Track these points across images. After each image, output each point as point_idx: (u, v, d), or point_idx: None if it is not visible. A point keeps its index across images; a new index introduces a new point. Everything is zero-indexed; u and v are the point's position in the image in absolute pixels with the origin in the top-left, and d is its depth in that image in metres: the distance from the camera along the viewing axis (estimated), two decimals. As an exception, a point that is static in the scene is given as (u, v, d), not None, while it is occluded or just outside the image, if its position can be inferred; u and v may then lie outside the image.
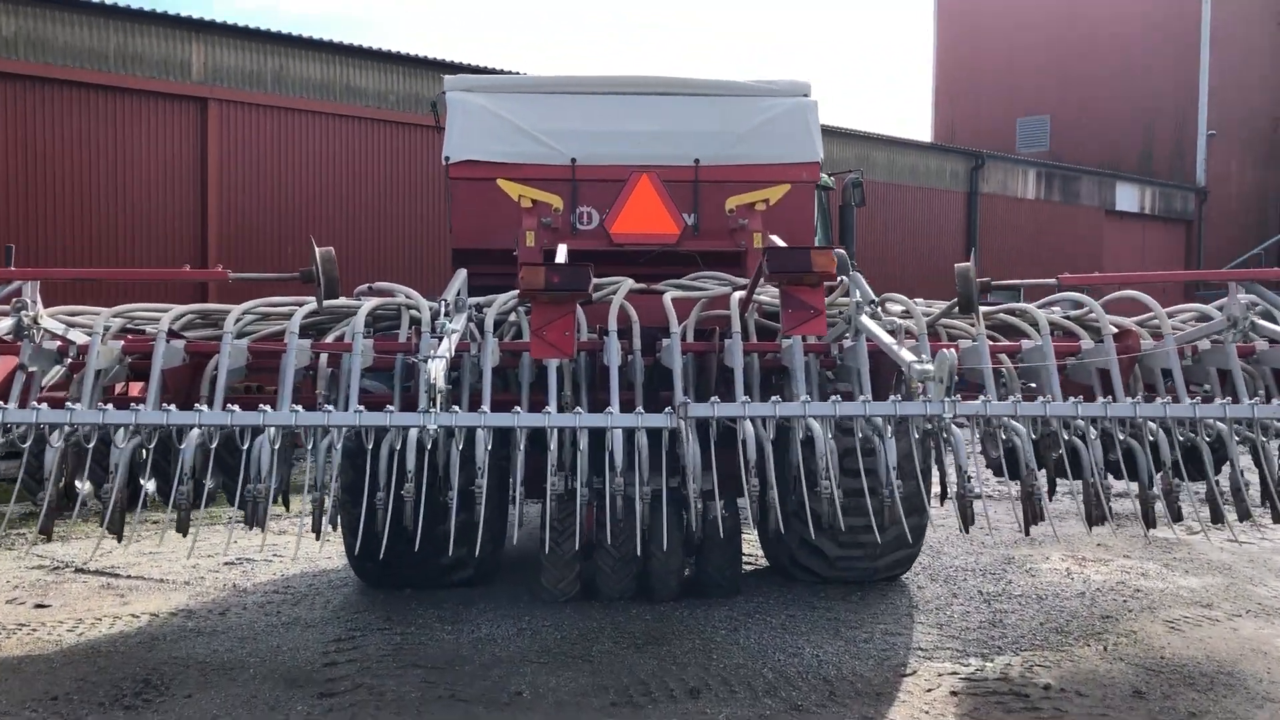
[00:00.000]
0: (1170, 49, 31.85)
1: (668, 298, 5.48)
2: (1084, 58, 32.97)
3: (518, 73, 18.68)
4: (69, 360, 5.13)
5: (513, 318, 5.58)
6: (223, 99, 15.71)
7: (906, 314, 5.41)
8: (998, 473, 5.13)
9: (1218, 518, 5.21)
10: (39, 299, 5.11)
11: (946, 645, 5.59)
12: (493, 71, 18.35)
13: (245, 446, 4.52)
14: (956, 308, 5.11)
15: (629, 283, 5.61)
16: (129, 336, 5.42)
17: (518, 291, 5.70)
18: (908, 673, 5.17)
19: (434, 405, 4.37)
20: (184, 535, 4.68)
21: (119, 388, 5.45)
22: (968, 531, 4.90)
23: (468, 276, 5.56)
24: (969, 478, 4.69)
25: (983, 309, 5.36)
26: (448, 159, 6.77)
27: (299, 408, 4.61)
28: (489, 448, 4.61)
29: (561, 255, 5.37)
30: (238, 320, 5.21)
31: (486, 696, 4.78)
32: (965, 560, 7.55)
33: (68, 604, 6.34)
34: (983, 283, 5.15)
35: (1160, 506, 5.22)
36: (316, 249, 5.03)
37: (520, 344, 5.30)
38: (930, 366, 4.32)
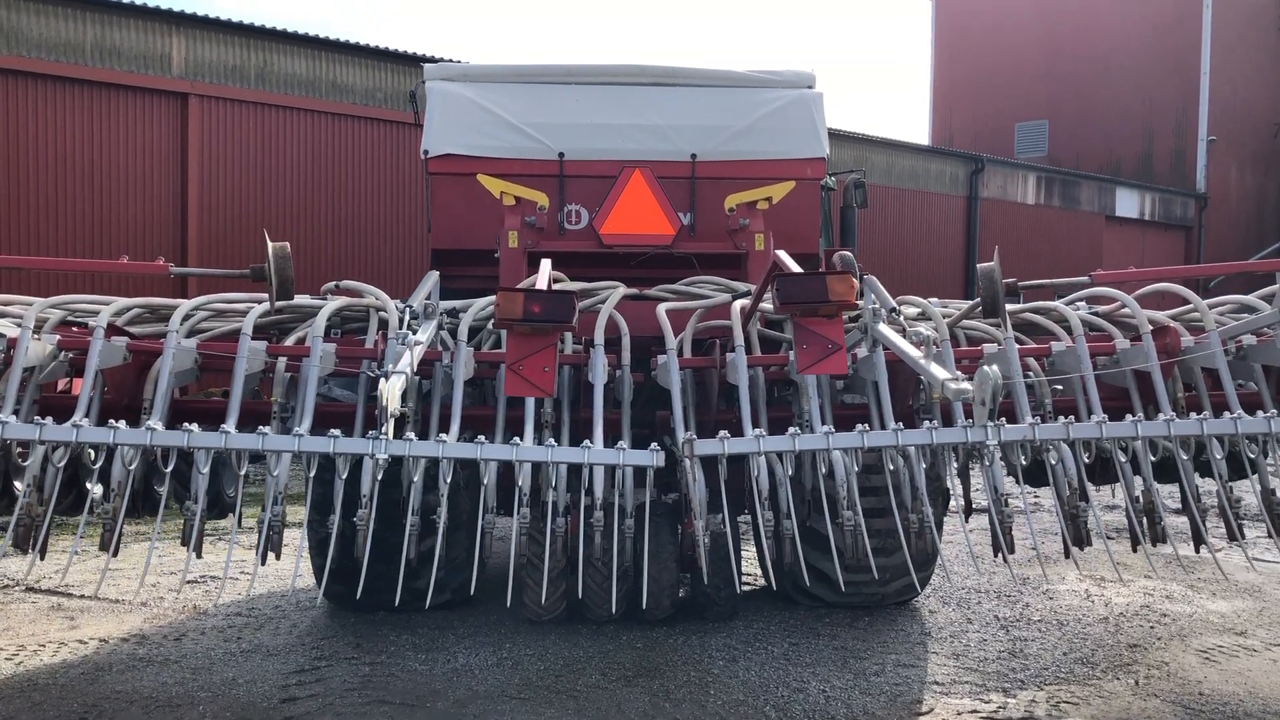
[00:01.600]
0: (1170, 54, 31.51)
1: (662, 310, 4.96)
2: (1083, 62, 32.63)
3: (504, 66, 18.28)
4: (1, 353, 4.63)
5: (491, 325, 5.12)
6: (204, 94, 15.24)
7: (924, 316, 4.95)
8: (1021, 482, 4.68)
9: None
10: None
11: (964, 679, 5.14)
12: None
13: (169, 469, 4.05)
14: (980, 310, 4.65)
15: (620, 290, 5.13)
16: (71, 329, 4.93)
17: (491, 299, 5.26)
18: (924, 711, 4.71)
19: (385, 431, 3.89)
20: (113, 555, 4.24)
21: (62, 384, 4.97)
22: (1006, 560, 4.45)
23: (446, 278, 5.10)
24: (1005, 500, 4.26)
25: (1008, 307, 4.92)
26: (426, 153, 6.33)
27: (231, 429, 4.13)
28: (448, 479, 4.14)
29: (543, 279, 4.71)
30: (187, 317, 4.73)
31: (459, 740, 4.32)
32: (977, 581, 7.11)
33: (11, 627, 5.86)
34: (1009, 283, 4.72)
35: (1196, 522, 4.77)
36: (270, 244, 4.56)
37: (498, 354, 4.83)
38: (968, 386, 3.80)
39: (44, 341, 4.58)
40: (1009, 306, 5.04)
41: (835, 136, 22.96)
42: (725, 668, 5.22)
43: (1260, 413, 4.43)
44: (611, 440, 4.35)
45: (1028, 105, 34.04)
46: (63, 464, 4.10)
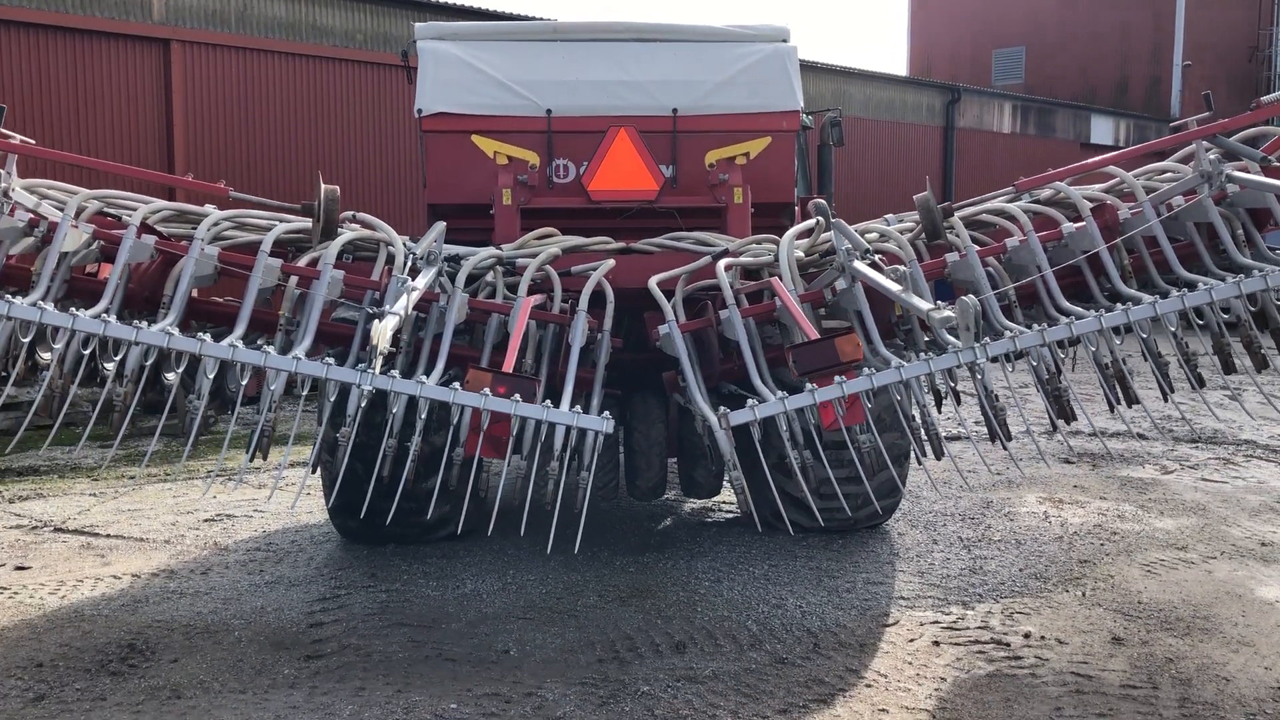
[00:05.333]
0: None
1: (653, 283, 5.37)
2: (1059, -13, 32.66)
3: (490, 9, 18.36)
4: (39, 233, 4.99)
5: (489, 277, 5.52)
6: (186, 40, 15.31)
7: (883, 238, 5.42)
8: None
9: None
10: (14, 171, 5.04)
11: (928, 594, 5.66)
12: (460, 10, 18.00)
13: (180, 369, 4.51)
14: (923, 236, 5.15)
15: (608, 264, 5.56)
16: (105, 219, 5.30)
17: (494, 249, 5.66)
18: (890, 623, 5.23)
19: (373, 366, 4.39)
20: (115, 436, 4.60)
21: (90, 267, 5.34)
22: (1005, 447, 5.04)
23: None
24: (997, 397, 4.86)
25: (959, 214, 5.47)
26: (420, 111, 6.63)
27: (239, 343, 4.57)
28: (423, 416, 4.61)
29: (511, 358, 4.79)
30: (214, 225, 5.12)
31: (474, 655, 4.80)
32: (944, 505, 7.62)
33: (48, 565, 6.30)
34: (943, 207, 5.23)
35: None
36: (322, 186, 4.96)
37: (490, 304, 5.26)
38: (951, 314, 4.33)
39: (81, 230, 4.97)
40: (962, 213, 5.54)
41: (814, 70, 23.22)
42: (711, 587, 5.73)
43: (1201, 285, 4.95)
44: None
45: (1005, 32, 34.10)
46: (89, 350, 4.51)
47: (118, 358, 4.57)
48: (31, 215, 4.96)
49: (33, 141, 5.60)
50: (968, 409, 9.92)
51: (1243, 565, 6.16)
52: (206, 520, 7.37)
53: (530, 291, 5.31)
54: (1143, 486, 8.18)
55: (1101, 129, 29.90)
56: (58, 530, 7.14)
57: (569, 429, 4.53)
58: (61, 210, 5.00)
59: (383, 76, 17.03)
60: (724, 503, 7.61)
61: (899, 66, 35.31)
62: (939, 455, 5.01)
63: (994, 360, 4.84)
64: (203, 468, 9.26)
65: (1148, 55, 32.20)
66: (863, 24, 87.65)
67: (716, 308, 5.25)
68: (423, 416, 4.65)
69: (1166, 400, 5.37)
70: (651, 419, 6.06)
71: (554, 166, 6.57)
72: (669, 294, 5.36)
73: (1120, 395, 5.16)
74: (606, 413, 4.65)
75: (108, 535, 7.00)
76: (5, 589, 5.84)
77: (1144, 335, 5.03)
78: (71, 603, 5.61)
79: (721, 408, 4.71)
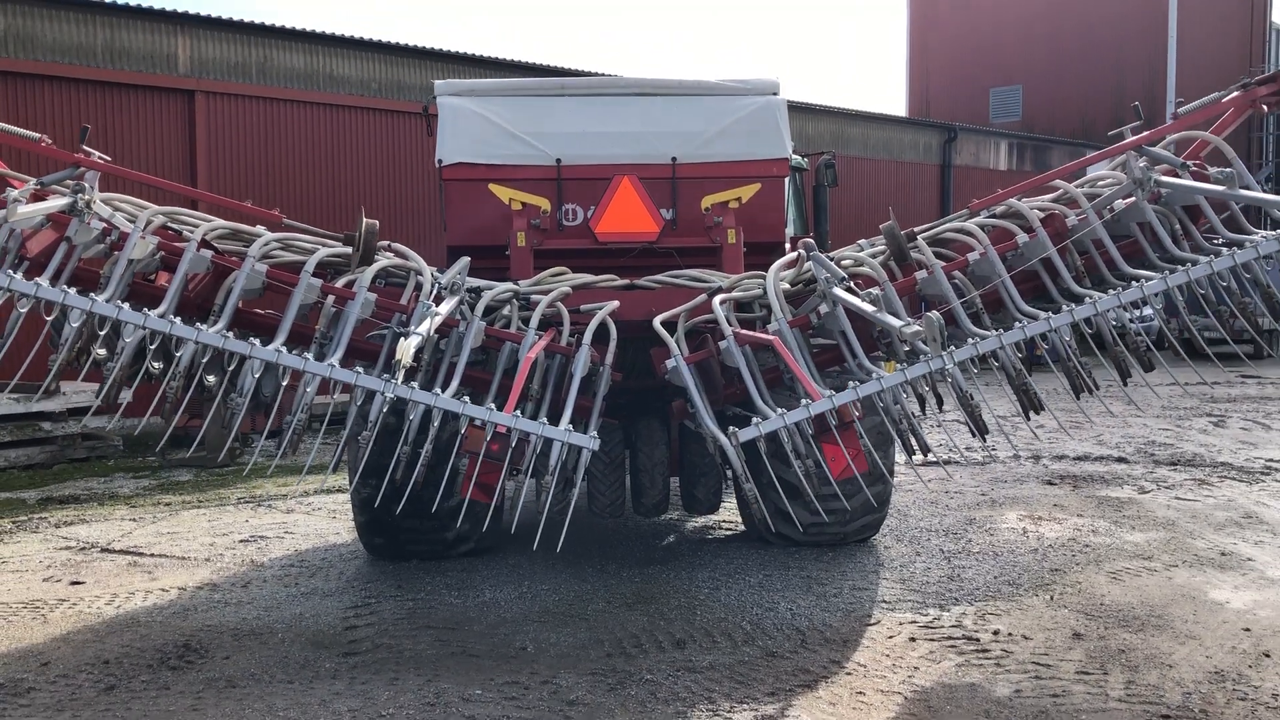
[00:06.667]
0: (1139, 17, 32.41)
1: (657, 323, 5.93)
2: (1055, 26, 33.51)
3: (494, 57, 19.16)
4: (110, 241, 5.63)
5: (506, 310, 6.09)
6: (209, 90, 16.09)
7: (858, 264, 6.04)
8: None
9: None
10: (96, 186, 5.73)
11: (908, 598, 6.18)
12: (468, 58, 18.82)
13: (230, 368, 5.11)
14: (892, 259, 5.78)
15: (611, 305, 6.13)
16: (168, 233, 5.92)
17: (512, 284, 6.25)
18: (872, 622, 5.75)
19: (396, 377, 4.99)
20: (168, 425, 5.25)
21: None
22: (984, 439, 5.61)
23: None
24: (971, 396, 5.39)
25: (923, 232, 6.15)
26: (440, 161, 7.24)
27: (283, 349, 5.15)
28: (435, 425, 5.14)
29: (521, 381, 5.38)
30: (265, 245, 5.75)
31: (495, 652, 5.34)
32: (930, 522, 8.14)
33: (100, 580, 6.85)
34: (907, 233, 5.89)
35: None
36: (364, 220, 5.56)
37: (504, 333, 5.83)
38: (919, 328, 4.95)
39: (147, 240, 5.61)
40: (925, 235, 6.16)
41: (813, 111, 23.98)
42: (709, 594, 6.26)
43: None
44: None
45: (1002, 71, 34.91)
46: (154, 346, 5.11)
47: (179, 354, 5.13)
48: (105, 224, 5.61)
49: (109, 159, 6.25)
50: (960, 436, 10.47)
51: (1201, 572, 6.67)
52: (242, 541, 7.92)
53: (541, 325, 5.88)
54: (1119, 505, 8.69)
55: (1097, 165, 30.53)
56: (104, 550, 7.70)
57: (564, 445, 5.09)
58: (133, 222, 5.64)
59: (396, 123, 17.80)
60: (724, 522, 8.14)
61: (899, 105, 36.12)
62: (925, 451, 5.58)
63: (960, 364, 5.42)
64: (233, 495, 9.83)
65: (1143, 93, 32.92)
66: (863, 64, 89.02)
67: (716, 339, 5.83)
68: (435, 425, 5.16)
69: (1125, 383, 5.80)
70: (655, 441, 6.61)
71: (564, 211, 7.18)
72: (671, 330, 5.93)
73: (1082, 385, 5.68)
74: (595, 432, 5.20)
75: (151, 554, 7.56)
76: (64, 600, 6.39)
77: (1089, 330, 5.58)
78: (126, 611, 6.16)
79: (731, 427, 5.27)
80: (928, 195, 26.54)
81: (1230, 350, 6.25)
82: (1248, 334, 5.68)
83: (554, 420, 5.21)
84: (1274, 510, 8.40)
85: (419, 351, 5.23)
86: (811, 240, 6.38)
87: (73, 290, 5.02)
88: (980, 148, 28.21)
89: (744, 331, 5.74)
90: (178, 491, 10.14)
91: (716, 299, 5.93)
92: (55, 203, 5.47)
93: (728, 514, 8.18)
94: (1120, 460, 10.80)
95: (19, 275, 4.98)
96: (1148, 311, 5.61)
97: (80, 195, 5.44)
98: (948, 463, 10.14)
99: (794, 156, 9.71)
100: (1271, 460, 10.67)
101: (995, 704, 4.62)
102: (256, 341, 5.16)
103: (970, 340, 5.47)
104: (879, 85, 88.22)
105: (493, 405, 5.18)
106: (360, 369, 5.24)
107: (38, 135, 6.02)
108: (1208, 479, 9.79)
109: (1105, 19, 32.78)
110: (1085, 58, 32.96)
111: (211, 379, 5.25)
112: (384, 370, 5.49)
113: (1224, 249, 5.58)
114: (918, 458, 5.75)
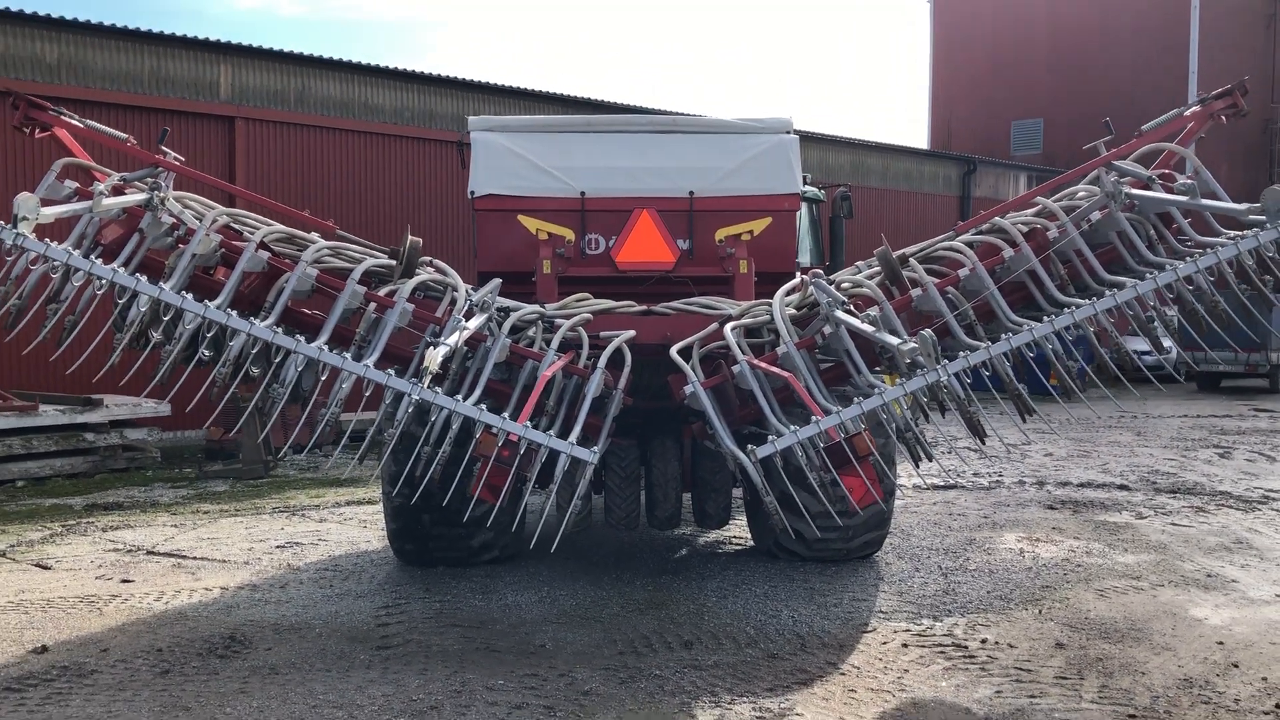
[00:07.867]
0: (1160, 51, 32.81)
1: (674, 352, 6.29)
2: (1077, 60, 33.95)
3: (522, 88, 19.77)
4: (177, 235, 6.11)
5: (531, 332, 6.54)
6: (249, 117, 16.75)
7: (856, 285, 6.44)
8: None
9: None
10: (170, 184, 6.28)
11: (904, 609, 6.57)
12: (496, 89, 19.43)
13: (278, 360, 5.55)
14: (887, 281, 6.21)
15: (628, 333, 6.52)
16: (230, 232, 6.39)
17: (539, 307, 6.70)
18: (868, 630, 6.14)
19: (424, 382, 5.39)
20: (217, 401, 5.60)
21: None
22: (984, 442, 5.90)
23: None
24: (970, 401, 5.69)
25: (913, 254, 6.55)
26: (473, 193, 7.74)
27: (325, 346, 5.58)
28: (454, 428, 5.51)
29: (537, 394, 5.74)
30: (316, 252, 6.22)
31: (516, 648, 5.77)
32: (931, 541, 8.52)
33: (148, 580, 7.33)
34: (899, 255, 6.37)
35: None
36: (409, 236, 6.04)
37: (526, 350, 6.27)
38: (915, 345, 5.38)
39: (211, 238, 6.08)
40: (917, 256, 6.57)
41: (833, 143, 24.50)
42: (718, 601, 6.67)
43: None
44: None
45: (1024, 104, 35.37)
46: (210, 334, 5.57)
47: (230, 344, 5.56)
48: (174, 220, 6.10)
49: (183, 159, 6.78)
50: (970, 462, 10.84)
51: (1185, 591, 7.02)
52: (278, 546, 8.39)
53: (562, 347, 6.32)
54: (1115, 529, 9.04)
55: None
56: (150, 553, 8.19)
57: (566, 457, 5.52)
58: (200, 220, 6.13)
59: (428, 150, 18.42)
60: (734, 537, 8.55)
61: (921, 137, 36.59)
62: (928, 458, 5.96)
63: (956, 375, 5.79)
64: (268, 504, 10.32)
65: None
66: (886, 97, 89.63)
67: (729, 364, 6.25)
68: (454, 428, 5.53)
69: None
70: (668, 457, 7.05)
71: (587, 240, 7.65)
72: (688, 357, 6.35)
73: (1067, 391, 6.06)
74: (596, 448, 5.62)
75: (194, 557, 8.04)
76: (116, 596, 6.87)
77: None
78: (174, 607, 6.63)
79: (749, 445, 5.68)
80: (947, 227, 26.81)
81: (1245, 385, 6.62)
82: (1264, 368, 6.03)
83: (564, 436, 5.64)
84: (1265, 537, 8.73)
85: (446, 360, 5.67)
86: (820, 271, 6.81)
87: (143, 278, 5.51)
88: (1000, 180, 28.63)
89: (755, 360, 6.15)
90: (215, 501, 10.65)
91: (728, 326, 6.36)
92: (134, 197, 6.03)
93: (738, 530, 8.59)
94: (1122, 487, 11.14)
95: (98, 260, 5.50)
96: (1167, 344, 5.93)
97: (156, 192, 5.98)
98: (952, 487, 10.52)
99: (810, 189, 10.16)
100: (1271, 490, 10.98)
101: (976, 702, 5.01)
102: (302, 339, 5.60)
103: (961, 353, 5.82)
104: (901, 115, 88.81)
105: (507, 415, 5.61)
106: (392, 372, 5.67)
107: (125, 135, 6.58)
108: (1205, 506, 10.11)
109: (1126, 52, 33.21)
110: (1106, 91, 33.32)
111: (256, 370, 5.72)
112: (414, 375, 5.95)
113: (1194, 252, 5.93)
114: (926, 475, 6.11)
